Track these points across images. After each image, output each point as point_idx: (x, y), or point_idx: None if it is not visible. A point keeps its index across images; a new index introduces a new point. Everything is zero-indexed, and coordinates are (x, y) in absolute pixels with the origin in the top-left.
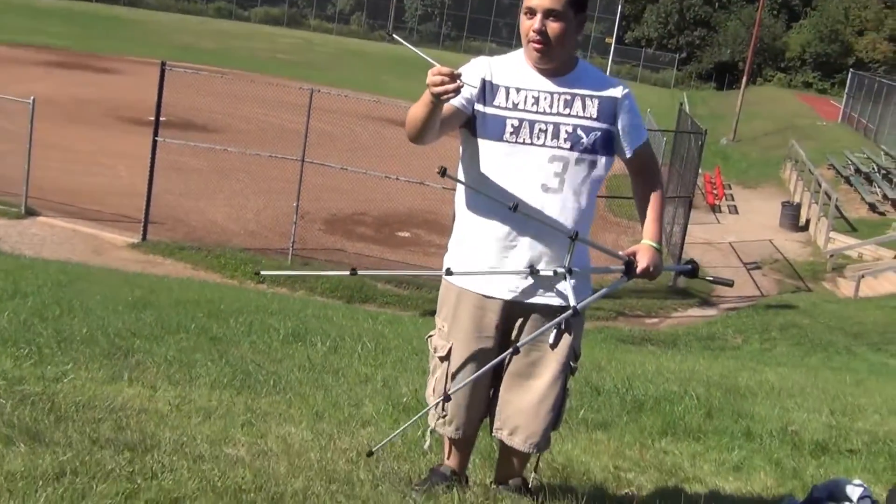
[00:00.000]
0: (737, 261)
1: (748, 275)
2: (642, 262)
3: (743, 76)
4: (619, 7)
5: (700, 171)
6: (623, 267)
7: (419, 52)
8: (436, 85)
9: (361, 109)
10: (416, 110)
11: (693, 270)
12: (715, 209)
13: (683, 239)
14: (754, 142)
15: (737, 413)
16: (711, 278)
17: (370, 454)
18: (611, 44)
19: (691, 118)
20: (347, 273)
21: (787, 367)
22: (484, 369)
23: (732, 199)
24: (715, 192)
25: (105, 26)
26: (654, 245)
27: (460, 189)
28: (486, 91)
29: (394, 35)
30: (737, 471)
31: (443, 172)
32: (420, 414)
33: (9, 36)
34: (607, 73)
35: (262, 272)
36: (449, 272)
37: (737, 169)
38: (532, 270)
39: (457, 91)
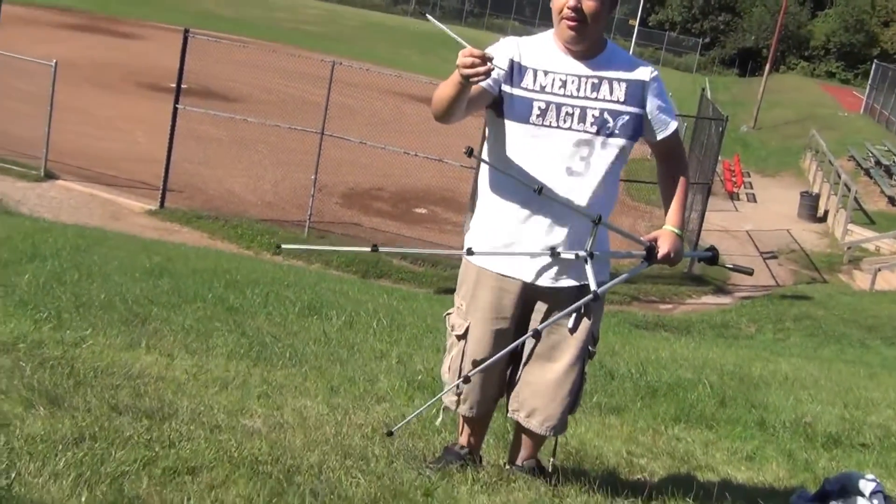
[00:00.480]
0: (753, 249)
1: (764, 264)
2: (664, 248)
3: (766, 63)
4: None
5: (720, 157)
6: (644, 252)
7: (451, 33)
8: (466, 67)
9: (382, 84)
10: (444, 90)
11: (713, 257)
12: (733, 197)
13: (701, 226)
14: (775, 130)
15: (750, 403)
16: (731, 266)
17: (390, 434)
18: (634, 26)
19: (713, 104)
20: (368, 249)
21: (800, 359)
22: (502, 353)
23: (751, 188)
24: (734, 179)
25: None
26: (677, 231)
27: (484, 169)
28: (514, 72)
29: (428, 15)
30: (749, 460)
31: (469, 152)
32: (441, 394)
33: None
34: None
35: (283, 245)
36: (470, 252)
37: (756, 157)
38: (553, 253)
39: (487, 74)
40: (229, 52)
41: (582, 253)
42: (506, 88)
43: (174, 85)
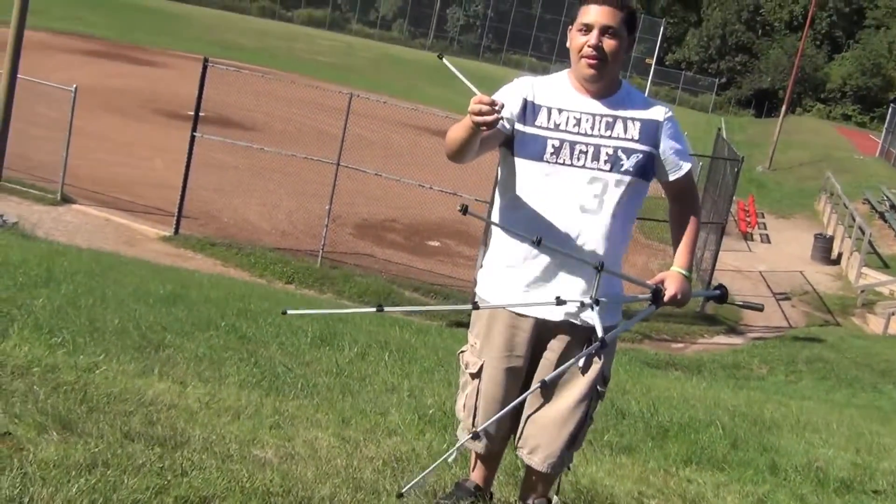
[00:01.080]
0: (766, 290)
1: (777, 305)
2: (670, 290)
3: (782, 105)
4: (662, 28)
5: (734, 198)
6: (651, 296)
7: (464, 78)
8: (476, 114)
9: (399, 116)
10: (456, 132)
11: (722, 296)
12: (747, 237)
13: (714, 265)
14: (790, 171)
15: (762, 445)
16: (741, 303)
17: (400, 496)
18: (651, 65)
19: (729, 144)
20: (374, 310)
21: (812, 401)
22: (513, 403)
23: (765, 228)
24: (748, 220)
25: (148, 19)
26: (684, 272)
27: (496, 206)
28: (528, 111)
29: (444, 59)
30: None
31: (464, 210)
32: (448, 454)
33: (53, 24)
34: (646, 94)
35: (289, 311)
36: (476, 306)
37: (771, 198)
38: (558, 302)
39: (495, 123)
40: (248, 81)
41: (587, 300)
42: (519, 127)
43: (192, 113)
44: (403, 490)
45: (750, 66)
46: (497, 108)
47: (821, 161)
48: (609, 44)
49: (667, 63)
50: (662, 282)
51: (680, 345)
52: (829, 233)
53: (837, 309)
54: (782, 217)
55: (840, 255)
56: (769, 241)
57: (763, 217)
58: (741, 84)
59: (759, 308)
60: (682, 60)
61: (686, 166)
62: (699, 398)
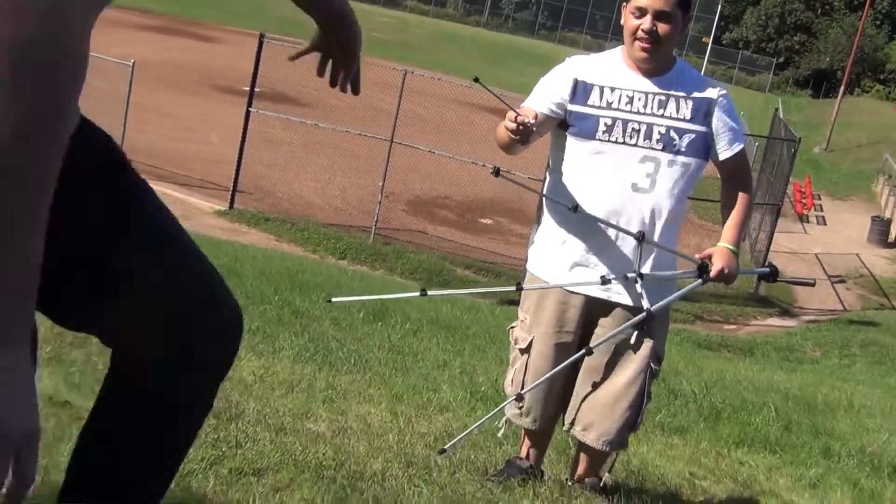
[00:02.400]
0: (821, 272)
1: (832, 288)
2: (717, 265)
3: (840, 85)
4: (719, 7)
5: (790, 179)
6: (696, 270)
7: (499, 97)
8: (508, 129)
9: (452, 93)
10: (499, 134)
11: (772, 273)
12: (803, 219)
13: (769, 247)
14: (847, 153)
15: (815, 428)
16: (792, 279)
17: (442, 452)
18: (707, 44)
19: (785, 124)
20: (417, 294)
21: (866, 385)
22: (561, 366)
23: (821, 210)
24: (804, 201)
25: None
26: (731, 248)
27: (548, 182)
28: (578, 90)
29: (478, 81)
30: (813, 488)
31: (496, 172)
32: (490, 415)
33: None
34: (702, 73)
35: (333, 300)
36: (519, 287)
37: (827, 179)
38: (603, 281)
39: (526, 137)
40: (303, 57)
41: (631, 275)
42: (571, 107)
43: (248, 88)
44: (446, 447)
45: (808, 45)
46: (528, 124)
47: (879, 143)
48: (663, 28)
49: (724, 42)
50: (709, 257)
51: (732, 326)
52: (887, 215)
53: (893, 292)
54: (839, 199)
55: None
56: (825, 223)
57: (819, 199)
58: (799, 64)
59: (810, 283)
60: (739, 39)
61: (738, 146)
62: (752, 380)
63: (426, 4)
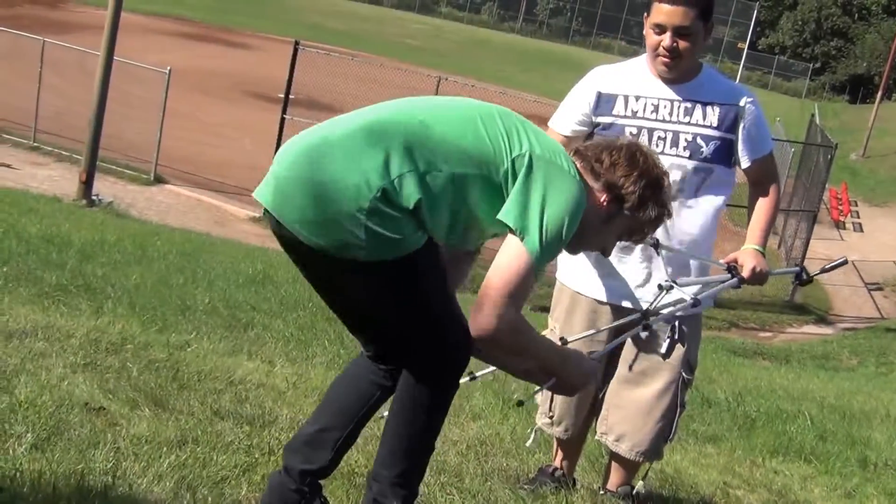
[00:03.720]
0: (858, 280)
1: (868, 295)
2: (749, 265)
3: (878, 91)
4: (755, 12)
5: (827, 185)
6: (729, 275)
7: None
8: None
9: (486, 99)
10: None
11: (800, 273)
12: (839, 226)
13: (805, 253)
14: (884, 159)
15: (851, 438)
16: (821, 269)
17: (473, 378)
18: (743, 49)
19: (822, 130)
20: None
21: None
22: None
23: (858, 217)
24: (840, 208)
25: (240, 1)
26: (758, 248)
27: None
28: (602, 102)
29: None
30: (848, 498)
31: None
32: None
33: (148, 6)
34: (737, 79)
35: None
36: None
37: (864, 186)
38: (645, 314)
39: None
40: (337, 64)
41: (665, 283)
42: (596, 119)
43: (283, 95)
44: (478, 375)
45: (845, 50)
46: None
47: None
48: (684, 44)
49: (759, 47)
50: (736, 260)
51: (768, 334)
52: None
53: None
54: (876, 206)
55: None
56: (862, 230)
57: (856, 205)
58: (836, 69)
59: (843, 262)
60: (775, 45)
61: (764, 152)
62: (787, 388)
63: (460, 11)
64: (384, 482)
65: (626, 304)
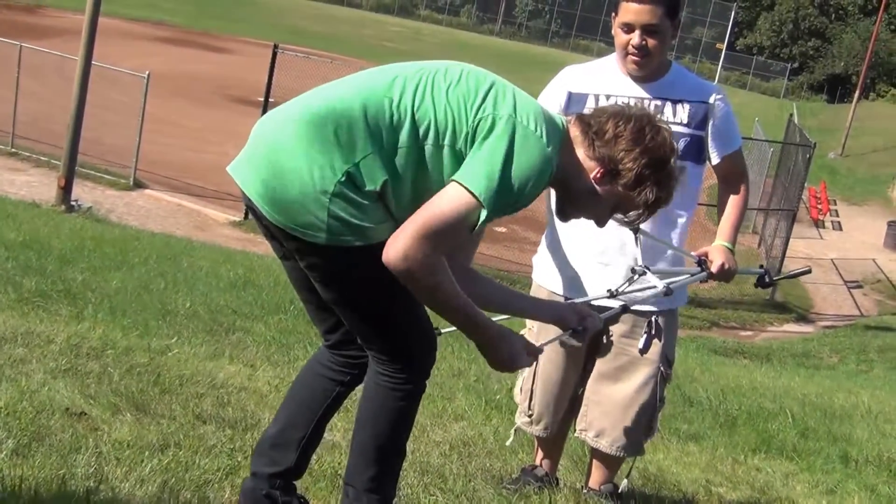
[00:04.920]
0: (837, 278)
1: (848, 293)
2: (717, 261)
3: (855, 90)
4: (733, 13)
5: (806, 184)
6: (699, 268)
7: None
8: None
9: None
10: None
11: (763, 276)
12: (818, 224)
13: (784, 252)
14: (863, 158)
15: (832, 435)
16: (788, 275)
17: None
18: (721, 50)
19: (800, 130)
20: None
21: (884, 391)
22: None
23: (837, 215)
24: (819, 206)
25: (219, 5)
26: (728, 245)
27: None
28: (572, 102)
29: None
30: (830, 494)
31: None
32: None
33: (127, 11)
34: (716, 79)
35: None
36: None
37: (843, 185)
38: (611, 294)
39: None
40: (317, 67)
41: (638, 268)
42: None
43: (262, 99)
44: (443, 331)
45: (823, 50)
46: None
47: (895, 147)
48: (652, 42)
49: (738, 48)
50: (706, 255)
51: (748, 332)
52: None
53: None
54: (854, 204)
55: None
56: (841, 229)
57: (835, 204)
58: (813, 69)
59: (807, 272)
60: (753, 45)
61: (734, 147)
62: (768, 387)
63: (439, 13)
64: (358, 488)
65: (603, 302)
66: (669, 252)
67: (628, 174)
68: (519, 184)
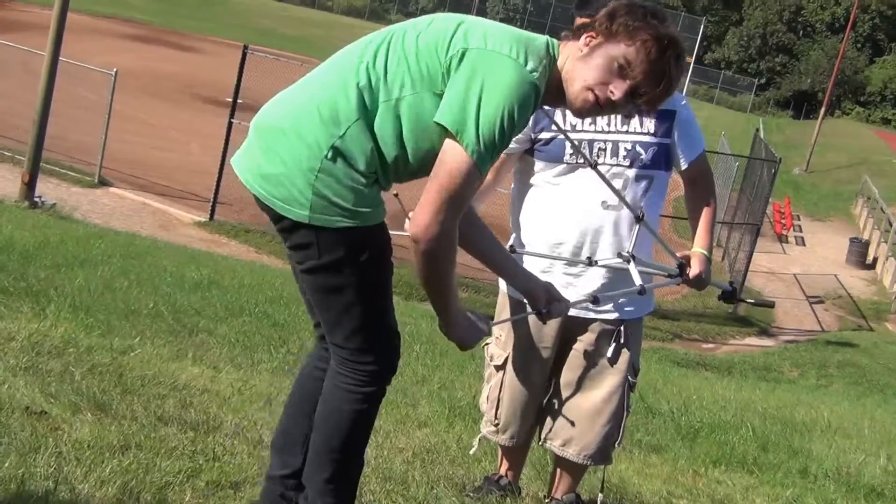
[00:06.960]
0: (799, 293)
1: (810, 308)
2: (696, 269)
3: (821, 107)
4: (701, 27)
5: (770, 199)
6: (677, 269)
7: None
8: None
9: None
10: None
11: (731, 293)
12: (782, 239)
13: (748, 266)
14: (827, 174)
15: (792, 449)
16: (752, 301)
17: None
18: (689, 63)
19: (766, 145)
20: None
21: (843, 406)
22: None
23: (800, 231)
24: (783, 221)
25: (189, 4)
26: (706, 254)
27: (513, 204)
28: (539, 117)
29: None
30: None
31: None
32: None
33: (96, 7)
34: (684, 92)
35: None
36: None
37: (807, 200)
38: (591, 262)
39: None
40: (286, 69)
41: (625, 253)
42: (535, 135)
43: (230, 99)
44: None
45: (790, 67)
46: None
47: (859, 164)
48: None
49: (706, 62)
50: (688, 259)
51: (711, 345)
52: (865, 237)
53: (871, 314)
54: (818, 220)
55: (875, 259)
56: (804, 244)
57: (798, 219)
58: (780, 85)
59: (769, 304)
60: (721, 59)
61: (698, 151)
62: (730, 400)
63: (410, 18)
64: (314, 490)
65: (573, 313)
66: (647, 253)
67: (620, 28)
68: (501, 110)
